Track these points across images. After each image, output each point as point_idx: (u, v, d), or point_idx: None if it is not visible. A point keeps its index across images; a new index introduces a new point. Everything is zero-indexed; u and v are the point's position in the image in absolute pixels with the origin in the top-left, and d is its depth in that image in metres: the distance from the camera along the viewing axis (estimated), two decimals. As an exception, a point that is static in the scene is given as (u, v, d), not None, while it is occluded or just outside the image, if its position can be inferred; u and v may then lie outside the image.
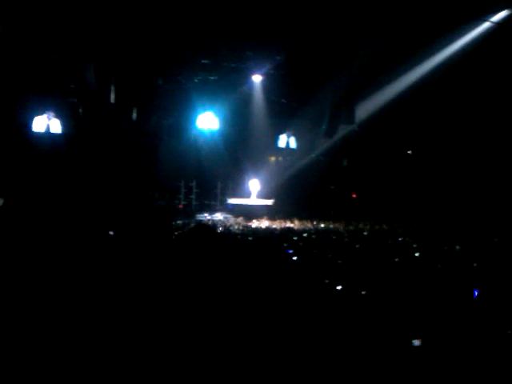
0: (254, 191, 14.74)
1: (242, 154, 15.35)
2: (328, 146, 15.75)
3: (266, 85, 15.73)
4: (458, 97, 14.14)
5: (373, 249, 7.55)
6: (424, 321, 3.80)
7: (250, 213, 13.14)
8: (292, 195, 14.43)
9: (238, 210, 13.69)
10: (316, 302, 4.41)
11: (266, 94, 15.85)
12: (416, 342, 3.26)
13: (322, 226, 11.55)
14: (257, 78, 15.65)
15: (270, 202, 14.27)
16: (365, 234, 10.00)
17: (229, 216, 13.41)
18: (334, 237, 9.09)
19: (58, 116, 13.24)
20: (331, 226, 11.60)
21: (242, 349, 3.26)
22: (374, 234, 10.06)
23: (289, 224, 11.78)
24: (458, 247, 7.84)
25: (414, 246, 7.99)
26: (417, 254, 6.96)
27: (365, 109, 15.52)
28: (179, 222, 10.92)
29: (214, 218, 12.89)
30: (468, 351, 3.27)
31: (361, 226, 11.45)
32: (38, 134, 12.81)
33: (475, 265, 6.16)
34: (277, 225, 11.53)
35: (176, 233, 8.68)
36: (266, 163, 15.71)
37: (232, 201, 14.39)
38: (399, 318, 3.90)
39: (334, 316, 4.00)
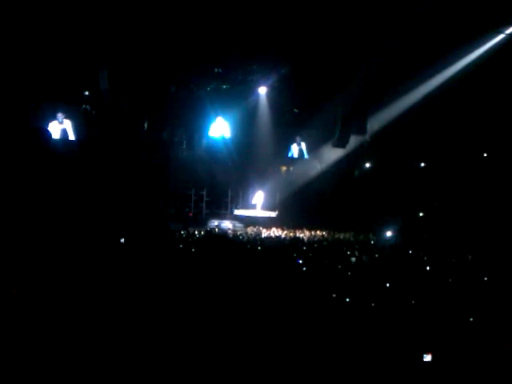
0: (259, 203, 14.80)
1: (252, 164, 15.31)
2: (339, 157, 15.69)
3: (276, 95, 15.72)
4: (473, 109, 14.04)
5: (383, 260, 7.51)
6: (435, 335, 3.76)
7: (256, 223, 13.20)
8: (300, 206, 14.35)
9: (246, 221, 13.73)
10: (325, 314, 4.38)
11: (277, 104, 15.84)
12: (427, 357, 3.23)
13: (333, 236, 11.53)
14: (267, 89, 15.63)
15: (273, 213, 14.31)
16: (374, 244, 9.95)
17: (238, 225, 13.42)
18: (344, 248, 9.05)
19: (71, 122, 13.37)
20: (341, 236, 11.57)
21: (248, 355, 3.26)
22: (384, 245, 10.00)
23: (298, 234, 11.77)
24: (469, 257, 7.79)
25: (425, 258, 7.93)
26: (428, 268, 6.91)
27: (377, 120, 15.46)
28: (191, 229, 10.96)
29: (224, 228, 12.89)
30: (477, 366, 3.24)
31: (371, 236, 11.40)
32: (52, 140, 12.89)
33: (486, 279, 6.11)
34: (286, 235, 11.52)
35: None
36: (276, 173, 15.64)
37: (238, 212, 14.42)
38: (409, 331, 3.87)
39: (342, 328, 3.97)
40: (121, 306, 4.27)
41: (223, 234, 10.91)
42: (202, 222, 13.16)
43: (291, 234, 11.59)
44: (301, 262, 6.97)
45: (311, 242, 10.01)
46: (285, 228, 12.62)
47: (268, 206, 14.79)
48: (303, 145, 15.82)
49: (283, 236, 11.05)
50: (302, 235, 11.52)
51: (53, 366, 3.07)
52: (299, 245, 9.15)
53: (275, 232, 11.87)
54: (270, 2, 11.73)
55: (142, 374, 3.07)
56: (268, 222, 13.48)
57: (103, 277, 5.25)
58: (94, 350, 3.31)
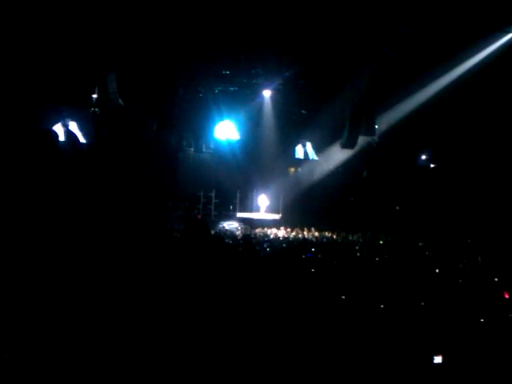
0: (264, 205, 14.86)
1: (258, 166, 15.30)
2: (347, 158, 15.65)
3: (283, 97, 15.66)
4: (482, 109, 13.95)
5: (392, 262, 7.49)
6: (445, 337, 3.75)
7: (261, 225, 13.27)
8: (306, 207, 14.32)
9: (252, 223, 13.77)
10: (335, 315, 4.38)
11: (284, 106, 15.79)
12: (437, 359, 3.22)
13: (341, 237, 11.51)
14: (273, 91, 15.58)
15: (277, 216, 14.33)
16: (383, 245, 9.93)
17: (245, 227, 13.45)
18: (352, 248, 9.05)
19: (79, 125, 13.48)
20: (350, 237, 11.55)
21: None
22: (394, 246, 9.98)
23: (306, 235, 11.76)
24: (479, 258, 7.76)
25: (434, 259, 7.91)
26: (437, 270, 6.88)
27: (385, 120, 15.40)
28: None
29: (232, 229, 12.91)
30: (488, 367, 3.23)
31: (381, 237, 11.38)
32: (59, 142, 12.95)
33: (496, 279, 6.08)
34: (294, 236, 11.51)
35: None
36: (282, 175, 15.61)
37: (242, 215, 14.45)
38: (419, 333, 3.86)
39: (352, 329, 3.97)
40: (121, 306, 4.29)
41: (232, 235, 10.92)
42: (211, 224, 13.18)
43: (299, 235, 11.58)
44: (310, 263, 6.97)
45: (319, 243, 9.99)
46: (293, 229, 12.61)
47: (272, 208, 14.81)
48: (308, 146, 15.81)
49: (291, 238, 11.04)
50: (310, 236, 11.51)
51: (52, 365, 3.09)
52: (308, 246, 9.13)
53: (284, 234, 11.86)
54: (275, 4, 11.73)
55: (143, 374, 3.09)
56: (273, 224, 13.53)
57: (106, 277, 5.27)
58: (93, 350, 3.33)
